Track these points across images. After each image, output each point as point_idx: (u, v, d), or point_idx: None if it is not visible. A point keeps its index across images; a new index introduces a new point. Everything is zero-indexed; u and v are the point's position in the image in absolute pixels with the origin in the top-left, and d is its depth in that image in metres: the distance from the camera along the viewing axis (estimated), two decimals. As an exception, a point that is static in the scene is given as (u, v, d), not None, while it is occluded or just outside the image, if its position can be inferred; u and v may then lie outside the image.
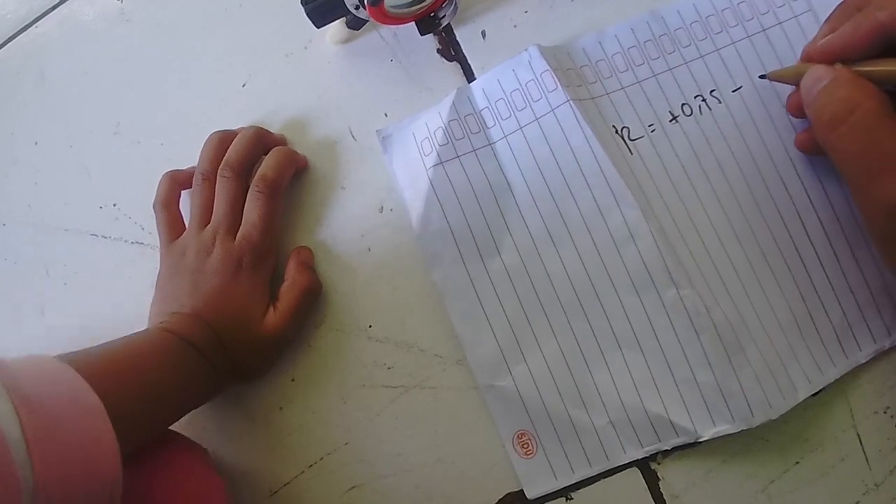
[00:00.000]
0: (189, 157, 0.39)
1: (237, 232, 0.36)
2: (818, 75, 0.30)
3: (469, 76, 0.38)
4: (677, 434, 0.34)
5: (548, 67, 0.35)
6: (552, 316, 0.36)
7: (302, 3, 0.36)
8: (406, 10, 0.37)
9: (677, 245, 0.34)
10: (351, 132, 0.38)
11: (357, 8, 0.35)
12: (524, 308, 0.36)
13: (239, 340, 0.35)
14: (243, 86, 0.40)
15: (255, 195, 0.36)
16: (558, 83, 0.35)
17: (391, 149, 0.38)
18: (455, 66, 0.38)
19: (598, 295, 0.35)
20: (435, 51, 0.38)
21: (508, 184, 0.36)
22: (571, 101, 0.35)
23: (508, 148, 0.36)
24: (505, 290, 0.36)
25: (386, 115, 0.38)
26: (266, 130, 0.39)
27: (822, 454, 0.35)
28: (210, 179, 0.37)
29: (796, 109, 0.34)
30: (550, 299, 0.36)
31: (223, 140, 0.38)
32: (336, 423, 0.37)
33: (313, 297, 0.37)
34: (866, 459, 0.35)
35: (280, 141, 0.39)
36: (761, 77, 0.35)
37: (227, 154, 0.37)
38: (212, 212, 0.37)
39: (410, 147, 0.37)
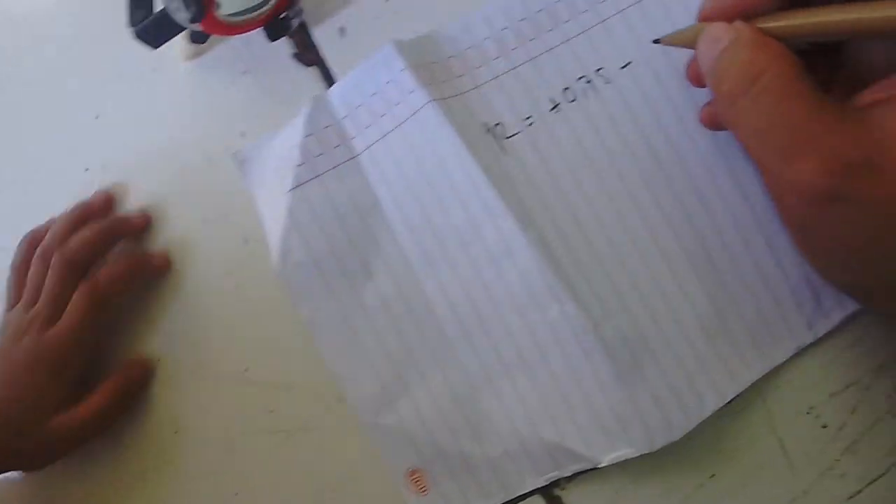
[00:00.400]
0: (46, 200, 0.34)
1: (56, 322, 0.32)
2: (715, 35, 0.23)
3: (330, 81, 0.32)
4: (575, 461, 0.28)
5: (405, 65, 0.28)
6: (435, 345, 0.30)
7: (130, 26, 0.31)
8: (245, 18, 0.30)
9: (561, 255, 0.28)
10: (209, 157, 0.32)
11: (190, 21, 0.30)
12: (404, 339, 0.30)
13: (18, 433, 0.31)
14: (96, 118, 0.34)
15: (79, 298, 0.31)
16: (416, 82, 0.28)
17: (250, 173, 0.32)
18: (314, 70, 0.32)
19: (481, 318, 0.29)
20: (291, 56, 0.32)
21: (377, 200, 0.30)
22: (433, 102, 0.28)
23: (372, 160, 0.30)
24: (381, 320, 0.30)
25: (243, 135, 0.32)
26: (123, 218, 0.33)
27: (739, 464, 0.29)
28: (48, 259, 0.32)
29: (697, 78, 0.27)
30: (432, 327, 0.30)
31: (79, 219, 0.33)
32: (224, 473, 0.32)
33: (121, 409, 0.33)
34: (790, 465, 0.30)
35: (137, 226, 0.33)
36: (655, 42, 0.28)
37: (70, 240, 0.32)
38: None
39: (268, 170, 0.31)
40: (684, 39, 0.26)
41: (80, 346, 0.32)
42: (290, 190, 0.30)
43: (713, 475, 0.29)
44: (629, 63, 0.29)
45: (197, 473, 0.32)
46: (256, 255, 0.31)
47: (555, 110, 0.29)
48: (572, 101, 0.29)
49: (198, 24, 0.28)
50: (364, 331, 0.30)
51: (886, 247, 0.21)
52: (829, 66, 0.26)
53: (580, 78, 0.29)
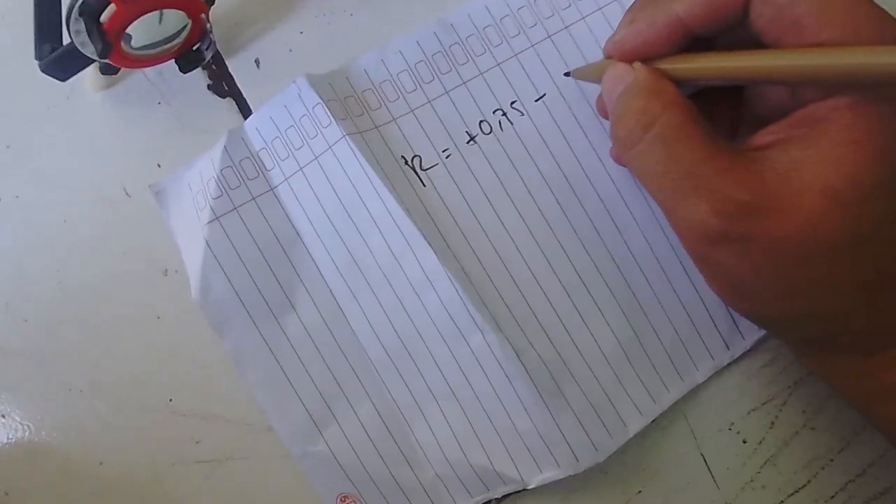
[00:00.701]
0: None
1: None
2: (616, 75, 0.23)
3: (246, 112, 0.30)
4: (505, 483, 0.28)
5: (319, 100, 0.27)
6: (362, 374, 0.28)
7: (36, 59, 0.29)
8: (156, 51, 0.28)
9: (482, 285, 0.27)
10: (125, 189, 0.30)
11: (99, 56, 0.28)
12: (330, 368, 0.28)
13: None
14: (7, 147, 0.31)
15: None
16: (332, 117, 0.27)
17: (167, 205, 0.29)
18: (229, 102, 0.30)
19: (407, 348, 0.28)
20: (206, 87, 0.30)
21: (297, 233, 0.28)
22: (347, 137, 0.27)
23: (291, 192, 0.28)
24: (307, 351, 0.28)
25: (159, 167, 0.30)
26: None
27: (664, 480, 0.30)
28: None
29: (605, 112, 0.27)
30: (357, 355, 0.28)
31: None
32: None
33: None
34: (714, 480, 0.30)
35: None
36: (566, 75, 0.28)
37: None
38: None
39: (186, 202, 0.29)
40: (592, 74, 0.26)
41: None
42: (208, 223, 0.28)
43: (640, 491, 0.29)
44: (543, 95, 0.28)
45: (125, 506, 0.31)
46: (177, 286, 0.29)
47: (471, 143, 0.28)
48: (488, 133, 0.28)
49: (107, 58, 0.27)
50: (289, 363, 0.29)
51: (781, 283, 0.21)
52: (734, 105, 0.26)
53: (495, 111, 0.28)
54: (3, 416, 0.31)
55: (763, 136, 0.22)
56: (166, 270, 0.30)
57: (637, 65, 0.23)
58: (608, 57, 0.24)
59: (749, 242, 0.21)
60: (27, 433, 0.31)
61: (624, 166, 0.28)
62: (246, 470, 0.30)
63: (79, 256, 0.30)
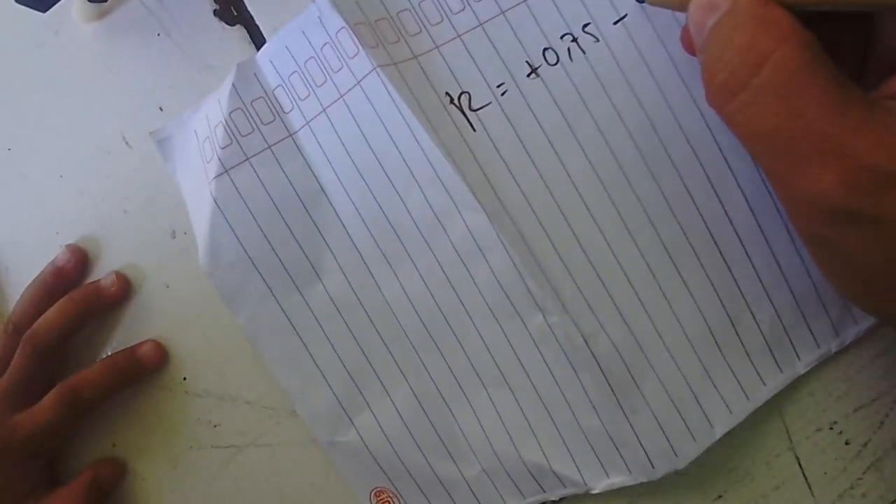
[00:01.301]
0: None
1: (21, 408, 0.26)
2: (707, 1, 0.17)
3: (259, 42, 0.24)
4: (564, 485, 0.23)
5: (344, 24, 0.21)
6: (398, 352, 0.24)
7: None
8: None
9: (543, 254, 0.21)
10: (124, 138, 0.25)
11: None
12: (361, 345, 0.24)
13: None
14: None
15: (55, 400, 0.25)
16: (360, 45, 0.21)
17: (172, 155, 0.24)
18: (239, 30, 0.24)
19: (451, 324, 0.23)
20: (211, 13, 0.24)
21: (321, 187, 0.23)
22: (379, 69, 0.21)
23: (314, 138, 0.22)
24: (334, 325, 0.24)
25: (161, 110, 0.24)
26: (94, 293, 0.26)
27: (750, 484, 0.24)
28: (17, 335, 0.26)
29: (692, 48, 0.21)
30: (393, 332, 0.23)
31: (48, 290, 0.26)
32: (170, 490, 0.26)
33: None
34: (808, 486, 0.25)
35: (112, 299, 0.26)
36: (639, 1, 0.21)
37: (37, 322, 0.25)
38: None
39: (192, 151, 0.24)
40: (674, 1, 0.19)
41: (51, 441, 0.26)
42: (216, 177, 0.23)
43: (720, 496, 0.24)
44: (624, 17, 0.21)
45: (140, 489, 0.27)
46: (187, 250, 0.25)
47: (533, 76, 0.22)
48: (554, 63, 0.22)
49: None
50: (313, 339, 0.24)
51: None
52: (857, 43, 0.18)
53: (563, 36, 0.22)
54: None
55: None
56: (174, 232, 0.25)
57: None
58: None
59: (887, 224, 0.15)
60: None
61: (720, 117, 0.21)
62: (268, 458, 0.25)
63: (78, 216, 0.26)
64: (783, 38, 0.15)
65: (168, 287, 0.25)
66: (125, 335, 0.26)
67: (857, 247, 0.16)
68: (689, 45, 0.21)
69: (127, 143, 0.25)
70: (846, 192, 0.15)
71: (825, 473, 0.24)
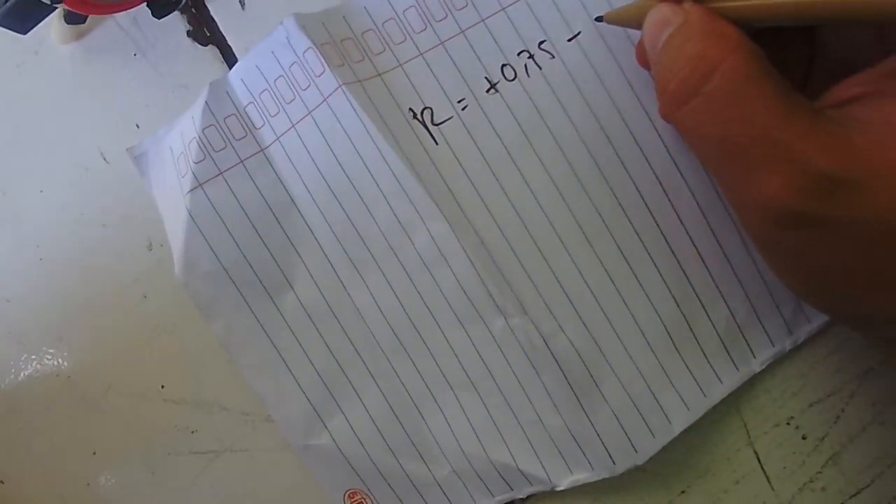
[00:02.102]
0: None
1: None
2: (661, 18, 0.18)
3: (231, 61, 0.25)
4: (530, 483, 0.24)
5: (310, 44, 0.22)
6: (368, 358, 0.24)
7: None
8: None
9: (503, 260, 0.22)
10: (102, 154, 0.26)
11: (52, 1, 0.23)
12: (332, 351, 0.24)
13: None
14: None
15: None
16: (326, 64, 0.22)
17: (148, 170, 0.25)
18: (212, 50, 0.25)
19: (418, 329, 0.24)
20: (185, 34, 0.25)
21: (292, 199, 0.24)
22: (344, 87, 0.22)
23: (284, 153, 0.23)
24: (306, 331, 0.24)
25: (138, 127, 0.25)
26: None
27: (712, 480, 0.25)
28: None
29: (646, 62, 0.21)
30: (363, 337, 0.24)
31: None
32: (149, 496, 0.27)
33: None
34: (768, 480, 0.25)
35: None
36: (597, 20, 0.22)
37: None
38: None
39: (168, 166, 0.24)
40: (629, 18, 0.20)
41: None
42: (190, 191, 0.23)
43: (683, 491, 0.25)
44: (577, 34, 0.22)
45: (117, 497, 0.27)
46: (164, 261, 0.25)
47: (492, 91, 0.23)
48: (512, 79, 0.23)
49: (61, 3, 0.22)
50: (286, 346, 0.24)
51: (872, 276, 0.16)
52: (802, 56, 0.20)
53: (520, 52, 0.23)
54: (-8, 401, 0.28)
55: (846, 89, 0.16)
56: (150, 244, 0.25)
57: (688, 3, 0.17)
58: None
59: (833, 226, 0.16)
60: (17, 421, 0.28)
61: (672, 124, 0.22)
62: (245, 462, 0.26)
63: (58, 231, 0.27)
64: (732, 49, 0.16)
65: (146, 297, 0.26)
66: (105, 344, 0.26)
67: (805, 248, 0.17)
68: (643, 60, 0.22)
69: (105, 160, 0.26)
70: (792, 195, 0.16)
71: (784, 468, 0.25)
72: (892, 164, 0.15)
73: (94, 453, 0.27)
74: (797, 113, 0.16)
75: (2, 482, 0.28)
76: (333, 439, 0.25)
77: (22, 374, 0.27)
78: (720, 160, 0.17)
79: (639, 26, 0.19)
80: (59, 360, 0.27)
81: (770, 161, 0.16)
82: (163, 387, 0.26)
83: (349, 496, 0.25)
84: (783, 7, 0.16)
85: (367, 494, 0.25)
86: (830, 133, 0.15)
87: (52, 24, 0.25)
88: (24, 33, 0.24)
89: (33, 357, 0.27)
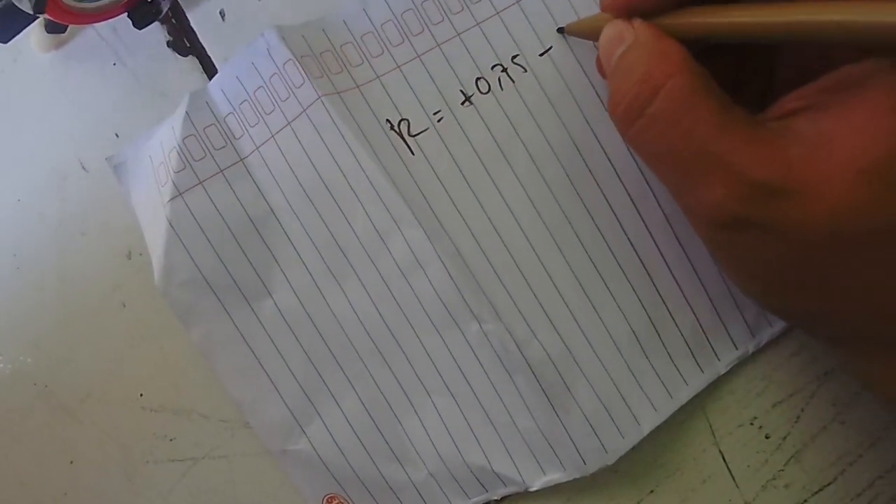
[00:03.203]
0: None
1: None
2: (613, 34, 0.19)
3: (210, 72, 0.25)
4: (504, 484, 0.24)
5: (290, 56, 0.22)
6: (346, 364, 0.25)
7: None
8: (100, 4, 0.23)
9: (478, 268, 0.23)
10: (81, 163, 0.26)
11: (34, 10, 0.23)
12: (310, 357, 0.25)
13: None
14: None
15: None
16: (306, 76, 0.22)
17: (126, 180, 0.25)
18: (192, 60, 0.25)
19: (395, 335, 0.24)
20: (165, 44, 0.25)
21: (270, 208, 0.24)
22: (323, 98, 0.22)
23: (263, 163, 0.24)
24: (284, 338, 0.25)
25: (117, 136, 0.25)
26: None
27: (680, 478, 0.26)
28: None
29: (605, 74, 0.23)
30: (341, 345, 0.24)
31: None
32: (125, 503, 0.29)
33: None
34: (733, 478, 0.26)
35: None
36: (559, 31, 0.23)
37: None
38: None
39: (147, 175, 0.25)
40: (588, 31, 0.21)
41: None
42: (170, 200, 0.24)
43: (653, 491, 0.25)
44: (549, 49, 0.23)
45: (96, 505, 0.27)
46: (143, 269, 0.25)
47: (466, 103, 0.23)
48: (486, 92, 0.23)
49: (43, 12, 0.22)
50: (264, 352, 0.25)
51: (809, 276, 0.17)
52: (762, 70, 0.21)
53: (494, 66, 0.23)
54: (-33, 410, 0.27)
55: (787, 103, 0.17)
56: (129, 253, 0.26)
57: (637, 22, 0.18)
58: (604, 9, 0.20)
59: (769, 230, 0.17)
60: (-8, 428, 0.27)
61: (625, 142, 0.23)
62: (224, 469, 0.26)
63: (36, 239, 0.26)
64: (675, 69, 0.17)
65: (125, 306, 0.26)
66: (83, 353, 0.26)
67: (747, 250, 0.18)
68: (602, 72, 0.23)
69: (84, 168, 0.26)
70: (733, 202, 0.17)
71: (748, 466, 0.26)
72: (823, 175, 0.16)
73: (72, 462, 0.27)
74: (735, 126, 0.17)
75: (-24, 493, 0.28)
76: (312, 444, 0.25)
77: (-2, 383, 0.27)
78: (668, 173, 0.18)
79: (596, 38, 0.20)
80: (37, 369, 0.27)
81: (710, 172, 0.17)
82: (141, 395, 0.26)
83: (327, 500, 0.26)
84: (723, 26, 0.17)
85: (345, 498, 0.26)
86: (767, 144, 0.16)
87: (32, 33, 0.25)
88: (6, 42, 0.24)
89: (10, 365, 0.27)
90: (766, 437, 0.26)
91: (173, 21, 0.25)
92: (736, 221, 0.17)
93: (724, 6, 0.17)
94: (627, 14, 0.18)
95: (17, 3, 0.22)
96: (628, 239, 0.24)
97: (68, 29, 0.25)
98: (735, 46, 0.20)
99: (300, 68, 0.22)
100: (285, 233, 0.24)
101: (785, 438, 0.26)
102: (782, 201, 0.16)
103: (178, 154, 0.24)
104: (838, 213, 0.15)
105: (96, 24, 0.25)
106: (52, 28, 0.24)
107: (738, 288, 0.20)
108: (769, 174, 0.16)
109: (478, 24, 0.23)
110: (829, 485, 0.26)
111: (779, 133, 0.17)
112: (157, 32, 0.25)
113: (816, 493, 0.26)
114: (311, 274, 0.24)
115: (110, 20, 0.24)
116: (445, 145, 0.23)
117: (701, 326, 0.24)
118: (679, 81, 0.17)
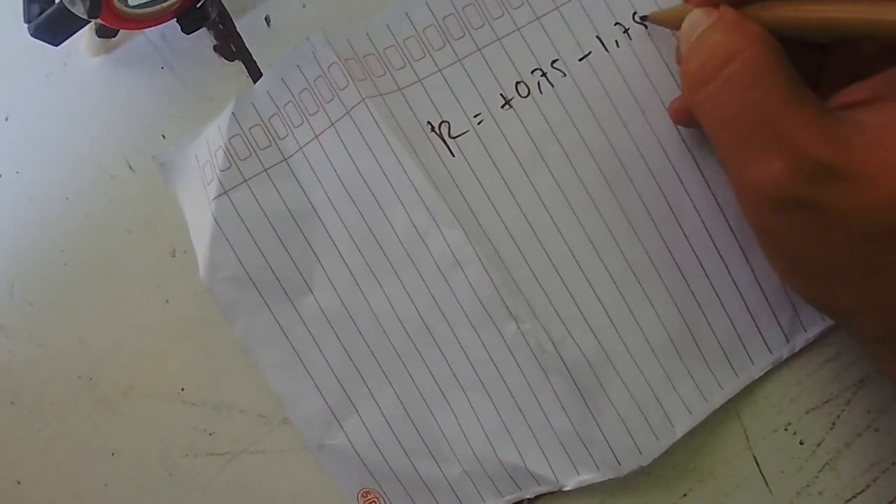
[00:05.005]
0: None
1: None
2: (697, 19, 0.19)
3: (255, 75, 0.25)
4: (538, 483, 0.24)
5: (336, 59, 0.23)
6: (384, 360, 0.25)
7: (25, 23, 0.24)
8: (152, 10, 0.24)
9: (516, 268, 0.23)
10: (128, 162, 0.26)
11: (87, 15, 0.24)
12: (349, 353, 0.25)
13: None
14: (6, 119, 0.27)
15: None
16: (350, 78, 0.23)
17: (173, 179, 0.26)
18: (238, 65, 0.25)
19: (433, 333, 0.24)
20: (212, 49, 0.26)
21: (313, 207, 0.24)
22: (367, 101, 0.22)
23: (306, 162, 0.24)
24: (324, 334, 0.25)
25: (164, 137, 0.26)
26: None
27: (713, 483, 0.26)
28: None
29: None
30: (379, 341, 0.25)
31: None
32: (166, 497, 0.27)
33: None
34: (766, 484, 0.26)
35: None
36: (643, 18, 0.23)
37: None
38: None
39: (192, 175, 0.25)
40: (672, 19, 0.21)
41: None
42: (216, 198, 0.24)
43: (685, 494, 0.25)
44: (588, 54, 0.24)
45: (136, 496, 0.28)
46: (187, 267, 0.26)
47: (506, 107, 0.24)
48: (526, 96, 0.24)
49: (97, 17, 0.23)
50: (304, 347, 0.25)
51: (855, 266, 0.17)
52: (812, 65, 0.21)
53: (534, 71, 0.24)
54: (13, 403, 0.28)
55: (851, 94, 0.18)
56: (174, 251, 0.26)
57: (724, 6, 0.19)
58: (688, 1, 0.20)
59: (824, 213, 0.17)
60: (37, 422, 0.28)
61: (684, 125, 0.23)
62: (262, 464, 0.26)
63: (82, 236, 0.27)
64: (752, 40, 0.18)
65: (168, 302, 0.26)
66: (127, 347, 0.27)
67: (797, 233, 0.18)
68: (680, 59, 0.23)
69: (130, 168, 0.26)
70: (791, 180, 0.17)
71: (782, 472, 0.26)
72: (885, 164, 0.16)
73: (113, 454, 0.27)
74: (805, 104, 0.17)
75: (19, 482, 0.29)
76: (349, 439, 0.25)
77: (43, 376, 0.28)
78: (729, 141, 0.18)
79: (678, 27, 0.20)
80: (81, 362, 0.27)
81: (773, 144, 0.17)
82: (182, 389, 0.27)
83: (363, 495, 0.26)
84: (809, 20, 0.17)
85: (380, 494, 0.26)
86: (832, 127, 0.17)
87: (83, 37, 0.26)
88: (57, 45, 0.24)
89: (55, 359, 0.28)
90: (801, 444, 0.26)
91: (220, 27, 0.25)
92: (790, 200, 0.17)
93: (798, 2, 0.18)
94: (712, 4, 0.19)
95: (70, 7, 0.23)
96: (665, 242, 0.24)
97: (119, 33, 0.26)
98: (788, 45, 0.21)
99: (344, 71, 0.23)
100: (327, 231, 0.25)
101: (819, 445, 0.25)
102: (840, 185, 0.16)
103: (225, 153, 0.24)
104: (893, 201, 0.15)
105: (145, 30, 0.26)
106: (103, 32, 0.25)
107: (782, 277, 0.20)
108: (831, 155, 0.16)
109: (518, 29, 0.24)
110: (862, 492, 0.25)
111: (842, 120, 0.17)
112: (204, 38, 0.26)
113: (850, 500, 0.25)
114: (351, 271, 0.25)
115: (160, 26, 0.25)
116: (485, 147, 0.24)
117: (736, 330, 0.24)
118: (756, 52, 0.17)
